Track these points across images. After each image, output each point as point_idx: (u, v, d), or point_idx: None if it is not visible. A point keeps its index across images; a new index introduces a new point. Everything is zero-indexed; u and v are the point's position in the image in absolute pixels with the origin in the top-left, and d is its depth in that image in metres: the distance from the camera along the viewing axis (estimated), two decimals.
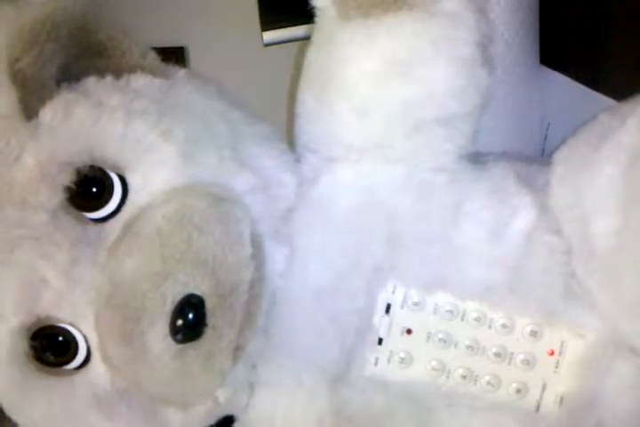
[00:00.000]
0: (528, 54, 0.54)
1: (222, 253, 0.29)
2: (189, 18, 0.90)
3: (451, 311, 0.37)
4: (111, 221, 0.32)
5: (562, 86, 0.55)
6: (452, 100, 0.35)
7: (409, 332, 0.37)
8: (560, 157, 0.38)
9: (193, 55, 0.90)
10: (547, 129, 0.57)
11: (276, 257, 0.35)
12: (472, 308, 0.37)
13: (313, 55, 0.38)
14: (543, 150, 0.58)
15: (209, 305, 0.29)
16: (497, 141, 0.52)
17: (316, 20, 0.37)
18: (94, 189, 0.32)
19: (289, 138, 0.43)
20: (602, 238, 0.32)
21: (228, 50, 0.89)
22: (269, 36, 0.78)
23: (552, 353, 0.37)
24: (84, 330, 0.31)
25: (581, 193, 0.34)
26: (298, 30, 0.77)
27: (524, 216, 0.37)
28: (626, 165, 0.31)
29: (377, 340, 0.37)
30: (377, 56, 0.34)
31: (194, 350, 0.29)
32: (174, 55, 0.90)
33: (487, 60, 0.36)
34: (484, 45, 0.36)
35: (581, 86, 0.52)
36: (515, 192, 0.38)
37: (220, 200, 0.32)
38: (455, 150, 0.38)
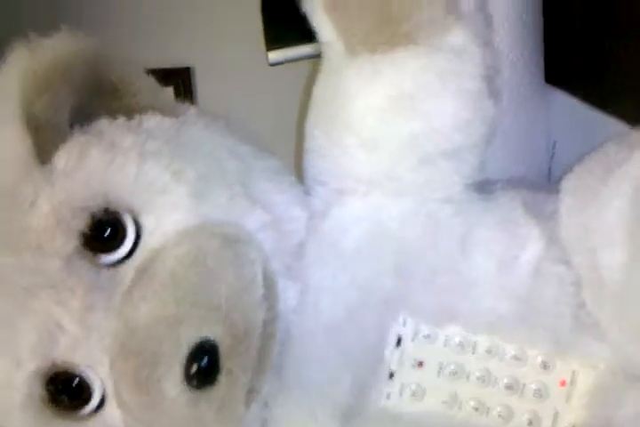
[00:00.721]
0: (533, 74, 0.54)
1: (235, 296, 0.30)
2: (195, 39, 0.91)
3: (462, 344, 0.37)
4: (125, 265, 0.32)
5: (567, 105, 0.55)
6: (459, 133, 0.36)
7: (420, 365, 0.37)
8: (567, 186, 0.38)
9: (199, 75, 0.91)
10: (553, 147, 0.58)
11: (289, 293, 0.35)
12: (483, 340, 0.37)
13: (320, 89, 0.38)
14: (550, 169, 0.58)
15: (223, 349, 0.29)
16: (503, 162, 0.53)
17: (323, 53, 0.37)
18: (108, 232, 0.32)
19: (297, 159, 0.44)
20: (611, 271, 0.33)
21: (233, 69, 0.90)
22: (274, 55, 0.78)
23: (563, 384, 0.37)
24: (100, 375, 0.31)
25: (590, 226, 0.34)
26: (302, 49, 0.78)
27: (532, 247, 0.37)
28: (633, 199, 0.32)
29: (389, 373, 0.37)
30: (383, 91, 0.35)
31: (208, 396, 0.29)
32: (181, 75, 0.91)
33: (493, 92, 0.36)
34: (490, 77, 0.36)
35: (587, 106, 0.52)
36: (523, 223, 0.38)
37: (233, 241, 0.32)
38: (462, 181, 0.38)
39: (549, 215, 0.38)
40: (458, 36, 0.34)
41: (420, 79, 0.35)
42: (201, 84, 0.92)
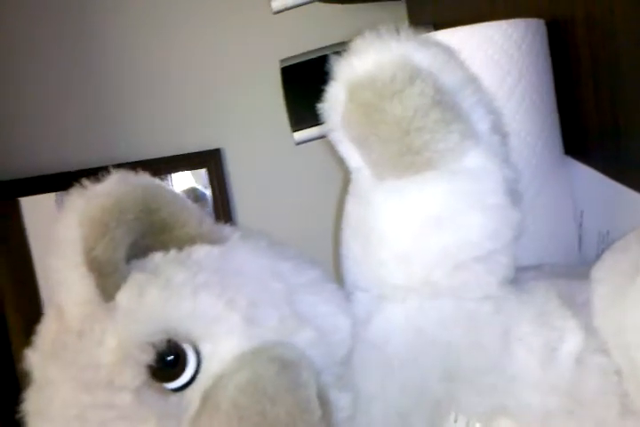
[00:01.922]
0: (552, 150, 0.56)
1: (294, 423, 0.32)
2: (224, 122, 0.96)
3: None
4: (189, 390, 0.34)
5: (589, 176, 0.57)
6: (488, 241, 0.38)
7: None
8: (598, 276, 0.39)
9: (229, 156, 0.96)
10: (581, 217, 0.59)
11: (342, 404, 0.37)
12: None
13: (351, 207, 0.41)
14: (580, 238, 0.59)
15: None
16: (532, 238, 0.54)
17: (352, 176, 0.40)
18: (171, 361, 0.34)
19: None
20: None
21: (261, 150, 0.95)
22: (299, 135, 0.82)
23: None
24: None
25: (622, 324, 0.35)
26: (325, 128, 0.81)
27: (571, 339, 0.38)
28: None
29: None
30: (411, 213, 0.37)
31: None
32: (212, 157, 0.96)
33: (516, 200, 0.38)
34: (512, 188, 0.38)
35: (607, 178, 0.54)
36: (559, 315, 0.39)
37: (287, 365, 0.34)
38: (497, 280, 0.40)
39: (583, 304, 0.39)
40: (476, 158, 0.37)
41: (445, 201, 0.37)
42: (231, 164, 0.96)
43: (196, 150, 0.94)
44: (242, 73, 0.96)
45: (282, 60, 0.84)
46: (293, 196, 0.95)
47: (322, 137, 0.82)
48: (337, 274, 0.44)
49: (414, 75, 0.35)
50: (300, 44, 0.82)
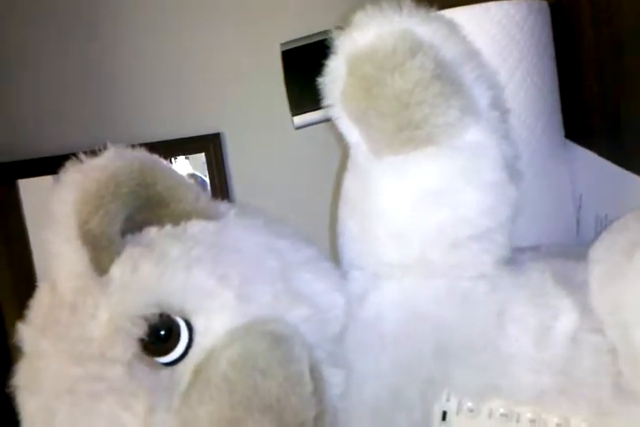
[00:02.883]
0: (552, 134, 0.56)
1: (286, 396, 0.32)
2: (224, 107, 0.95)
3: (505, 415, 0.38)
4: (181, 364, 0.34)
5: (589, 159, 0.56)
6: (484, 219, 0.38)
7: None
8: (596, 256, 0.39)
9: (229, 140, 0.95)
10: (579, 200, 0.59)
11: (335, 381, 0.37)
12: (526, 410, 0.38)
13: (349, 183, 0.41)
14: (578, 221, 0.59)
15: None
16: (531, 219, 0.54)
17: (351, 152, 0.40)
18: (163, 335, 0.34)
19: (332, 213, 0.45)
20: None
21: (261, 134, 0.94)
22: (299, 119, 0.82)
23: None
24: None
25: (619, 302, 0.35)
26: (324, 113, 0.81)
27: (566, 319, 0.38)
28: None
29: None
30: (409, 189, 0.37)
31: None
32: (212, 141, 0.95)
33: (514, 177, 0.38)
34: (510, 165, 0.38)
35: (607, 162, 0.54)
36: (554, 294, 0.39)
37: (279, 339, 0.34)
38: (492, 259, 0.40)
39: (580, 284, 0.39)
40: (475, 134, 0.36)
41: (443, 177, 0.37)
42: (231, 149, 0.95)
43: (195, 135, 0.94)
44: (242, 56, 0.95)
45: (282, 44, 0.83)
46: (293, 181, 0.94)
47: (322, 122, 0.82)
48: (333, 257, 0.44)
49: (415, 48, 0.35)
50: (301, 28, 0.81)
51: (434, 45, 0.36)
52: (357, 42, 0.36)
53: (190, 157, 0.95)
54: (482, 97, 0.37)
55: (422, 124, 0.35)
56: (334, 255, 0.45)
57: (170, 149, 0.92)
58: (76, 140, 0.89)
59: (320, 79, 0.39)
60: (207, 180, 0.94)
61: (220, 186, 0.93)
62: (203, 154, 0.93)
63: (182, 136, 0.93)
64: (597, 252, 0.39)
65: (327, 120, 0.83)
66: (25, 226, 0.91)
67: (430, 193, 0.37)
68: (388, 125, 0.36)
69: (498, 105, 0.38)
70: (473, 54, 0.37)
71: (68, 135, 0.90)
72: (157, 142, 0.91)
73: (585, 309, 0.38)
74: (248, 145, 0.95)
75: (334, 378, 0.37)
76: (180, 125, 0.94)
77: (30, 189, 0.92)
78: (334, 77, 0.38)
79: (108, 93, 0.96)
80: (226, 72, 0.95)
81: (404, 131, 0.36)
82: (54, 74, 0.96)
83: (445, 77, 0.35)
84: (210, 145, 0.93)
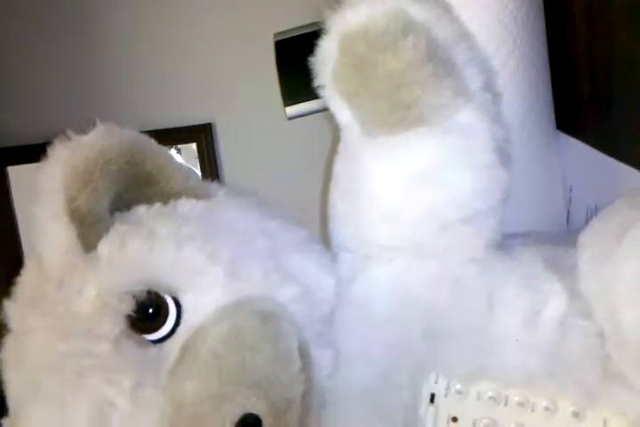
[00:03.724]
0: (544, 124, 0.56)
1: (274, 372, 0.32)
2: (216, 96, 0.95)
3: (494, 398, 0.38)
4: (169, 342, 0.34)
5: (580, 151, 0.57)
6: (475, 201, 0.38)
7: (455, 420, 0.38)
8: (585, 241, 0.39)
9: (221, 131, 0.95)
10: (570, 191, 0.59)
11: (323, 361, 0.37)
12: (514, 393, 0.38)
13: (340, 165, 0.41)
14: (568, 212, 0.59)
15: (266, 424, 0.31)
16: (522, 209, 0.54)
17: (341, 134, 0.40)
18: (151, 312, 0.34)
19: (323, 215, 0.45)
20: (632, 329, 0.34)
21: (253, 125, 0.94)
22: (292, 110, 0.82)
23: None
24: None
25: (608, 284, 0.35)
26: (317, 103, 0.81)
27: (555, 302, 0.38)
28: None
29: None
30: (401, 170, 0.37)
31: None
32: (203, 131, 0.95)
33: (505, 160, 0.38)
34: (501, 148, 0.38)
35: (598, 152, 0.54)
36: (544, 278, 0.39)
37: (269, 317, 0.34)
38: (483, 242, 0.40)
39: (569, 269, 0.39)
40: (467, 116, 0.36)
41: (435, 158, 0.37)
42: (222, 139, 0.95)
43: (187, 124, 0.93)
44: (234, 46, 0.94)
45: (276, 34, 0.83)
46: (285, 172, 0.94)
47: (315, 112, 0.82)
48: (324, 245, 0.44)
49: (408, 28, 0.35)
50: (295, 18, 0.81)
51: (426, 25, 0.36)
52: (349, 21, 0.36)
53: (182, 147, 0.94)
54: (474, 79, 0.37)
55: (414, 105, 0.35)
56: (325, 244, 0.45)
57: (161, 138, 0.90)
58: (65, 128, 0.88)
59: (312, 60, 0.39)
60: (198, 170, 0.94)
61: (212, 176, 0.92)
62: (194, 144, 0.93)
63: (174, 126, 0.92)
64: (587, 236, 0.39)
65: (320, 111, 0.83)
66: (14, 213, 0.90)
67: (421, 174, 0.37)
68: (380, 106, 0.36)
69: (490, 88, 0.38)
70: (465, 35, 0.37)
71: (58, 123, 0.89)
72: (148, 132, 0.90)
73: (574, 293, 0.38)
74: (240, 135, 0.94)
75: (323, 359, 0.37)
76: (171, 115, 0.93)
77: (19, 176, 0.92)
78: (326, 57, 0.38)
79: (98, 82, 0.95)
80: (218, 62, 0.95)
81: (396, 111, 0.36)
82: (44, 61, 0.95)
83: (438, 58, 0.35)
84: (201, 135, 0.92)
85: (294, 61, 0.84)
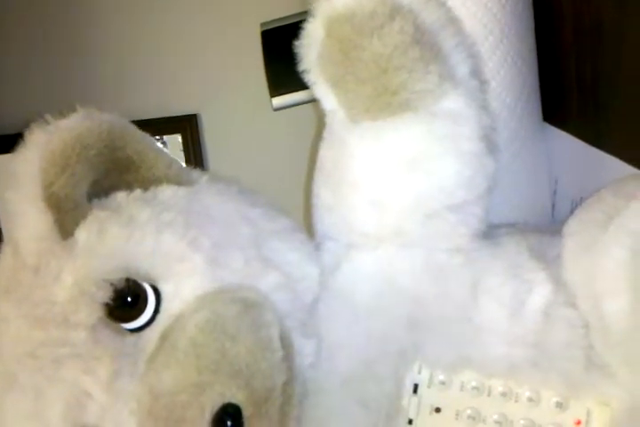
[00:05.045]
0: (531, 115, 0.56)
1: (255, 361, 0.31)
2: (201, 87, 0.94)
3: (477, 388, 0.38)
4: (147, 330, 0.33)
5: (566, 143, 0.57)
6: (462, 189, 0.37)
7: (438, 410, 0.38)
8: (569, 230, 0.39)
9: (206, 121, 0.94)
10: (555, 184, 0.59)
11: (305, 351, 0.36)
12: (498, 383, 0.38)
13: (325, 151, 0.40)
14: (553, 205, 0.59)
15: (246, 413, 0.30)
16: (507, 201, 0.54)
17: (326, 120, 0.39)
18: (130, 301, 0.33)
19: (307, 208, 0.45)
20: (615, 318, 0.34)
21: (239, 116, 0.93)
22: (278, 101, 0.81)
23: (579, 423, 0.37)
24: None
25: (591, 273, 0.35)
26: (304, 94, 0.80)
27: (540, 292, 0.38)
28: (631, 250, 0.33)
29: (407, 421, 0.38)
30: (386, 156, 0.36)
31: None
32: (188, 122, 0.94)
33: (492, 148, 0.38)
34: (488, 136, 0.37)
35: (584, 144, 0.54)
36: (529, 268, 0.39)
37: (250, 305, 0.33)
38: (469, 232, 0.39)
39: (554, 258, 0.39)
40: (454, 102, 0.36)
41: (421, 144, 0.36)
42: (208, 130, 0.94)
43: (172, 115, 0.92)
44: (221, 36, 0.94)
45: (262, 24, 0.82)
46: (271, 164, 0.93)
47: (301, 103, 0.81)
48: (309, 234, 0.43)
49: (394, 11, 0.34)
50: (282, 8, 0.80)
51: (413, 9, 0.35)
52: (336, 4, 0.36)
53: (167, 138, 0.93)
54: (461, 64, 0.37)
55: (400, 90, 0.35)
56: (309, 234, 0.44)
57: (146, 129, 0.90)
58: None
59: (297, 44, 0.39)
60: (183, 161, 0.93)
61: (197, 167, 0.91)
62: (179, 135, 0.92)
63: (158, 116, 0.91)
64: (572, 226, 0.39)
65: (306, 102, 0.82)
66: None
67: (407, 160, 0.36)
68: (366, 90, 0.35)
69: (477, 74, 0.38)
70: (453, 20, 0.37)
71: (38, 113, 0.87)
72: (133, 122, 0.89)
73: (559, 282, 0.38)
74: (225, 126, 0.94)
75: (305, 348, 0.36)
76: (156, 106, 0.92)
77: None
78: (311, 40, 0.37)
79: (82, 72, 0.94)
80: (203, 52, 0.94)
81: (382, 96, 0.35)
82: (25, 50, 0.94)
83: (424, 42, 0.35)
84: (187, 126, 0.91)
85: (281, 52, 0.83)
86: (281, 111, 0.82)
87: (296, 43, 0.39)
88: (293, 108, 0.81)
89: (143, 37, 0.95)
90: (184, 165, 0.92)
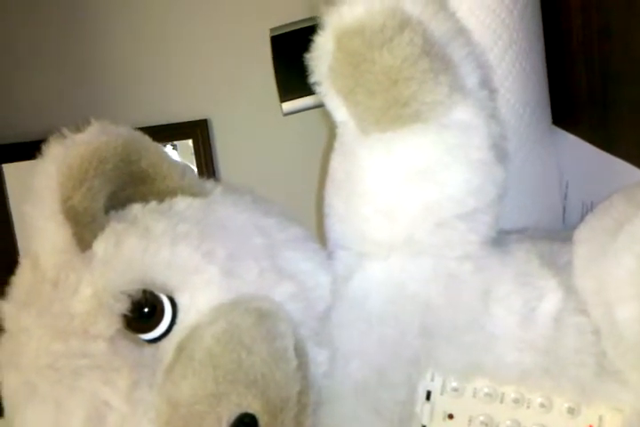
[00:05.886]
0: (540, 120, 0.56)
1: (270, 371, 0.32)
2: (212, 92, 0.94)
3: (489, 394, 0.38)
4: (164, 341, 0.34)
5: (576, 147, 0.57)
6: (471, 198, 0.38)
7: (451, 417, 0.39)
8: (580, 236, 0.39)
9: (216, 126, 0.95)
10: (566, 187, 0.59)
11: (319, 359, 0.37)
12: (510, 390, 0.38)
13: (336, 162, 0.40)
14: (564, 209, 0.59)
15: (262, 423, 0.31)
16: (518, 206, 0.54)
17: (337, 130, 0.39)
18: (147, 312, 0.34)
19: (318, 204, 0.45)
20: (627, 325, 0.34)
21: (249, 121, 0.93)
22: (288, 106, 0.81)
23: None
24: None
25: (603, 280, 0.35)
26: (314, 99, 0.81)
27: (550, 299, 0.38)
28: None
29: None
30: (397, 167, 0.37)
31: None
32: (199, 127, 0.95)
33: (501, 157, 0.38)
34: (498, 144, 0.38)
35: (594, 148, 0.54)
36: (540, 275, 0.39)
37: (264, 315, 0.34)
38: (479, 239, 0.40)
39: (564, 265, 0.39)
40: (463, 112, 0.36)
41: (431, 155, 0.36)
42: (218, 135, 0.95)
43: (182, 120, 0.92)
44: (231, 41, 0.94)
45: (272, 29, 0.82)
46: (281, 168, 0.94)
47: (311, 108, 0.82)
48: (321, 244, 0.44)
49: (404, 23, 0.35)
50: (291, 13, 0.80)
51: (422, 21, 0.35)
52: (346, 17, 0.36)
53: (178, 143, 0.94)
54: (470, 75, 0.37)
55: (410, 102, 0.35)
56: (321, 242, 0.44)
57: (157, 134, 0.90)
58: (61, 125, 0.88)
59: (308, 57, 0.39)
60: (194, 166, 0.94)
61: (208, 172, 0.92)
62: (190, 140, 0.93)
63: (170, 122, 0.92)
64: (582, 232, 0.40)
65: (316, 106, 0.83)
66: (9, 211, 0.90)
67: (417, 171, 0.37)
68: (376, 102, 0.36)
69: (486, 84, 0.38)
70: (462, 31, 0.37)
71: (53, 120, 0.89)
72: (144, 128, 0.89)
73: (570, 289, 0.38)
74: (236, 131, 0.94)
75: (319, 356, 0.37)
76: (167, 111, 0.92)
77: (14, 174, 0.91)
78: (322, 53, 0.38)
79: (93, 78, 0.94)
80: (213, 57, 0.94)
81: (392, 108, 0.36)
82: (40, 59, 0.95)
83: (434, 54, 0.35)
84: (197, 131, 0.92)
85: (290, 57, 0.83)
86: (291, 115, 0.82)
87: (306, 55, 0.39)
88: (303, 113, 0.82)
89: (154, 44, 0.95)
90: (195, 169, 0.94)
